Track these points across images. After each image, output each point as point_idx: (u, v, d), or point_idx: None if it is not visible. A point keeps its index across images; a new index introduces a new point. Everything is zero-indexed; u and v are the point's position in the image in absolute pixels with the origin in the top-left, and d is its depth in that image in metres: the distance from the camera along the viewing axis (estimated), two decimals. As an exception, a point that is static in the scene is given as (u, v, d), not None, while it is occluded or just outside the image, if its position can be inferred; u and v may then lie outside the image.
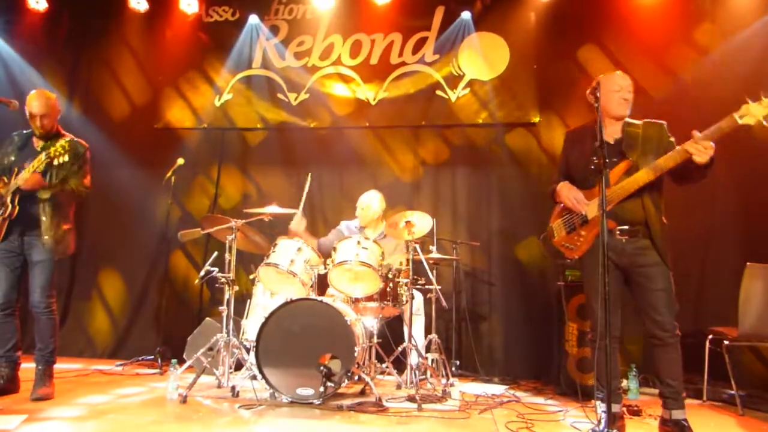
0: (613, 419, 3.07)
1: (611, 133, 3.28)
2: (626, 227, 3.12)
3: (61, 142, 3.62)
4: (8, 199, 3.67)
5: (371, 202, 4.96)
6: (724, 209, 4.85)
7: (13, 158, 3.80)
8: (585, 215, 3.23)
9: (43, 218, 3.73)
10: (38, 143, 3.85)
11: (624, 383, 4.38)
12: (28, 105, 3.77)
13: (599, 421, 3.04)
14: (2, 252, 3.75)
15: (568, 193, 3.31)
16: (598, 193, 2.93)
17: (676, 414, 3.08)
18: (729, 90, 4.78)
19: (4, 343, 3.77)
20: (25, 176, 3.58)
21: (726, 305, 4.08)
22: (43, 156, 3.56)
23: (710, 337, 4.09)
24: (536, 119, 5.42)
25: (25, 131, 3.92)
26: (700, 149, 2.90)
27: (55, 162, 3.62)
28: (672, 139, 3.20)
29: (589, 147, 3.12)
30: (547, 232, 3.46)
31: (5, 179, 3.74)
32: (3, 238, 3.71)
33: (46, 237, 3.73)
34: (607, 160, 2.87)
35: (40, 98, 3.78)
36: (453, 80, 5.61)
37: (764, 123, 2.79)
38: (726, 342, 3.98)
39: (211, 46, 6.00)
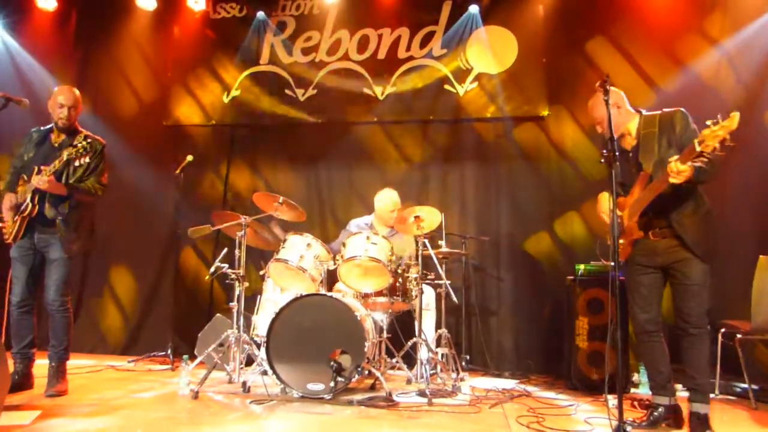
0: (671, 411, 3.20)
1: (629, 141, 3.27)
2: (657, 229, 3.14)
3: (82, 143, 3.62)
4: (28, 198, 3.69)
5: (390, 200, 4.93)
6: (736, 201, 4.78)
7: (32, 154, 3.82)
8: (621, 224, 3.21)
9: (60, 217, 3.74)
10: (56, 139, 3.86)
11: (635, 377, 4.37)
12: (57, 96, 3.82)
13: (648, 415, 3.17)
14: (20, 249, 3.78)
15: (599, 207, 3.35)
16: (627, 203, 3.19)
17: (696, 407, 3.07)
18: (740, 81, 4.75)
19: (20, 339, 3.80)
20: (44, 178, 3.58)
21: (739, 299, 4.05)
22: (65, 155, 3.57)
23: (723, 330, 4.06)
24: (545, 113, 5.38)
25: (43, 127, 3.93)
26: (673, 172, 2.86)
27: (76, 163, 3.64)
28: (694, 127, 3.09)
29: (624, 155, 3.21)
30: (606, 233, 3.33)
31: (25, 177, 3.76)
32: (22, 235, 3.74)
33: (62, 235, 3.74)
34: (618, 169, 2.89)
35: (70, 91, 3.86)
36: (461, 74, 5.58)
37: (719, 146, 2.67)
38: (739, 336, 3.96)
39: (218, 43, 6.00)
